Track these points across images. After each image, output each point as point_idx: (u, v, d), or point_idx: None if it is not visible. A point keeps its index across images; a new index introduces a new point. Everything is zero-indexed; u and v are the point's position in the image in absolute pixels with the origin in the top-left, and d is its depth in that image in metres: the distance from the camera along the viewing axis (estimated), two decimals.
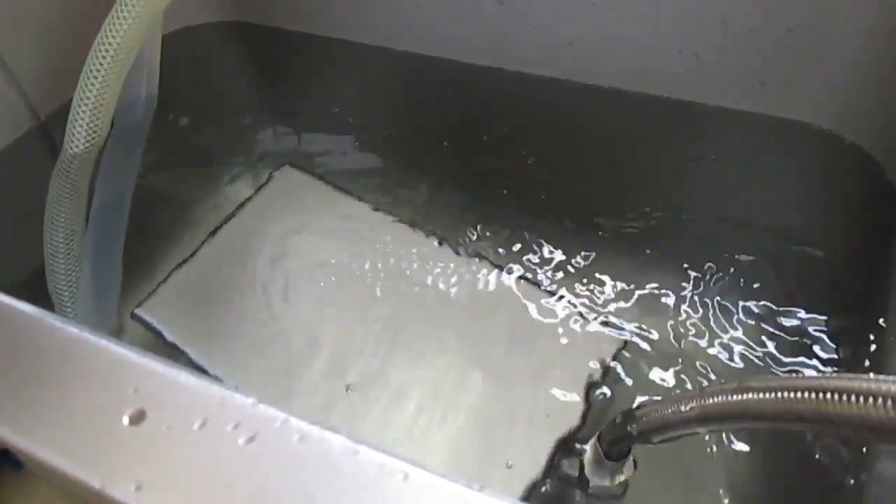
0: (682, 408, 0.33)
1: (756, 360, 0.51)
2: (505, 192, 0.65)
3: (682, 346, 0.52)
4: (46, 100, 0.67)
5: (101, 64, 0.56)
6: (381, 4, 0.73)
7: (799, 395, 0.25)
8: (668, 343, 0.53)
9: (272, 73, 0.80)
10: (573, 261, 0.58)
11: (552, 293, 0.56)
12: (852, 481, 0.43)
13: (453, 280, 0.57)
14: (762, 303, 0.54)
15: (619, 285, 0.56)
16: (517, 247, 0.60)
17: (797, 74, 0.60)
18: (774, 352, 0.51)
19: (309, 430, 0.23)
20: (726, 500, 0.46)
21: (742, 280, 0.55)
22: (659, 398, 0.50)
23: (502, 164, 0.67)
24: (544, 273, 0.58)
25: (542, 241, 0.60)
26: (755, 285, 0.55)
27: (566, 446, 0.48)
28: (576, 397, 0.50)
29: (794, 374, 0.27)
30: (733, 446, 0.47)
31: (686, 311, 0.54)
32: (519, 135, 0.69)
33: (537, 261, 0.58)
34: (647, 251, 0.58)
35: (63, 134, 0.60)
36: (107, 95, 0.58)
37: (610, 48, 0.65)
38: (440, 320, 0.55)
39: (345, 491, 0.22)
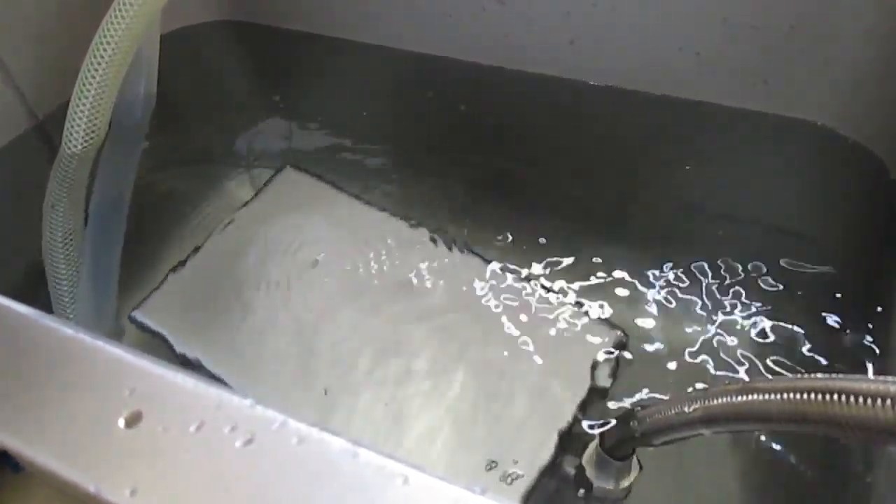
0: (686, 409, 0.32)
1: (758, 361, 0.50)
2: (506, 190, 0.65)
3: (683, 345, 0.52)
4: (44, 99, 0.67)
5: (99, 63, 0.56)
6: (382, 3, 0.73)
7: (805, 396, 0.25)
8: (668, 342, 0.52)
9: (272, 73, 0.80)
10: (573, 259, 0.58)
11: (552, 291, 0.56)
12: (859, 483, 0.43)
13: (455, 279, 0.57)
14: (764, 302, 0.54)
15: (619, 283, 0.56)
16: (518, 246, 0.59)
17: (799, 72, 0.60)
18: (777, 352, 0.51)
19: (308, 432, 0.23)
20: (730, 502, 0.45)
21: (743, 279, 0.55)
22: (659, 397, 0.50)
23: (504, 162, 0.67)
24: (544, 271, 0.57)
25: (543, 240, 0.59)
26: (757, 284, 0.55)
27: (567, 445, 0.47)
28: (576, 395, 0.50)
29: (799, 375, 0.27)
30: (737, 448, 0.47)
31: (687, 310, 0.54)
32: (520, 134, 0.69)
33: (538, 259, 0.58)
34: (648, 249, 0.58)
35: (61, 133, 0.60)
36: (105, 95, 0.58)
37: (611, 47, 0.65)
38: (441, 320, 0.55)
39: (344, 494, 0.22)
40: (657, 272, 0.57)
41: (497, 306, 0.55)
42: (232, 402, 0.24)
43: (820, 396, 0.24)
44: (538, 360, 0.52)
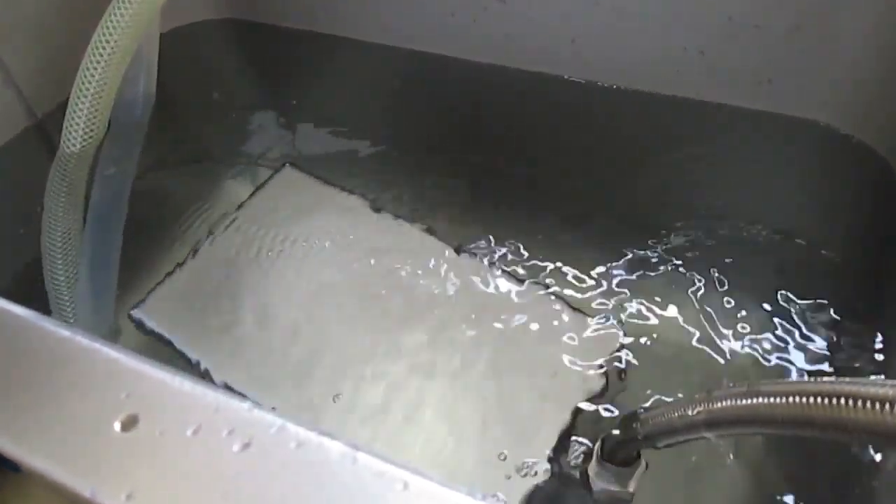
0: (689, 412, 0.32)
1: (763, 362, 0.50)
2: (508, 190, 0.64)
3: (687, 345, 0.52)
4: (43, 98, 0.67)
5: (98, 62, 0.56)
6: (382, 2, 0.73)
7: (811, 400, 0.25)
8: (671, 342, 0.52)
9: (272, 71, 0.79)
10: (575, 259, 0.57)
11: (553, 292, 0.55)
12: (863, 488, 0.42)
13: (455, 278, 0.57)
14: (768, 303, 0.53)
15: (622, 283, 0.56)
16: (520, 245, 0.59)
17: (803, 72, 0.60)
18: (781, 353, 0.50)
19: (306, 436, 0.23)
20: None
21: (746, 279, 0.55)
22: (661, 399, 0.49)
23: (505, 162, 0.66)
24: (546, 272, 0.57)
25: (544, 240, 0.59)
26: (760, 285, 0.54)
27: (568, 446, 0.47)
28: (578, 395, 0.49)
29: (804, 378, 0.27)
30: (741, 451, 0.46)
31: (690, 311, 0.53)
32: (521, 133, 0.69)
33: (539, 259, 0.58)
34: (651, 249, 0.57)
35: (60, 132, 0.59)
36: (104, 94, 0.58)
37: (613, 46, 0.65)
38: (441, 321, 0.55)
39: (343, 500, 0.21)
40: (659, 272, 0.56)
41: (498, 305, 0.55)
42: (230, 405, 0.24)
43: (827, 400, 0.24)
44: (540, 359, 0.51)
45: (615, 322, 0.53)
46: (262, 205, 0.64)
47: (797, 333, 0.51)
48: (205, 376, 0.53)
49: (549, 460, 0.46)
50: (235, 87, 0.79)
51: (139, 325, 0.56)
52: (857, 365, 0.49)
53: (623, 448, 0.40)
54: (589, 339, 0.52)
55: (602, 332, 0.53)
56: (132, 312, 0.57)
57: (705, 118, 0.65)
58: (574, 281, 0.56)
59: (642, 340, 0.52)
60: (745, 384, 0.29)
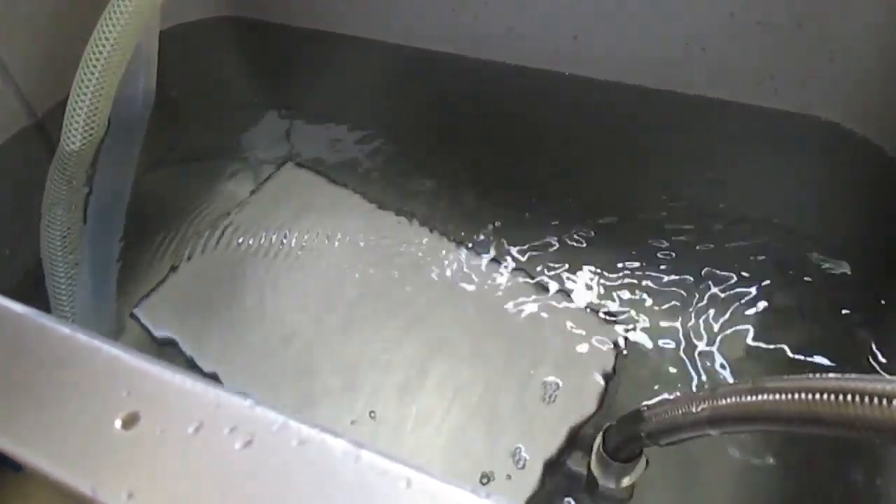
0: (693, 409, 0.32)
1: (766, 360, 0.50)
2: (509, 186, 0.64)
3: (690, 343, 0.52)
4: (43, 97, 0.67)
5: (97, 60, 0.56)
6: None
7: (818, 396, 0.24)
8: (674, 340, 0.52)
9: (273, 69, 0.79)
10: (577, 256, 0.57)
11: (557, 289, 0.55)
12: (869, 485, 0.42)
13: (459, 277, 0.57)
14: (770, 299, 0.53)
15: (625, 281, 0.55)
16: (522, 242, 0.59)
17: (806, 68, 0.59)
18: (786, 351, 0.50)
19: (309, 433, 0.23)
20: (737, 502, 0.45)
21: (750, 277, 0.55)
22: (665, 396, 0.49)
23: (508, 158, 0.66)
24: (549, 268, 0.57)
25: (547, 237, 0.59)
26: (764, 282, 0.54)
27: (570, 444, 0.47)
28: (580, 393, 0.49)
29: (810, 375, 0.26)
30: (744, 448, 0.46)
31: (694, 309, 0.53)
32: (524, 129, 0.69)
33: (542, 256, 0.58)
34: (654, 246, 0.57)
35: (60, 131, 0.59)
36: (104, 92, 0.58)
37: (615, 42, 0.65)
38: (444, 318, 0.54)
39: (346, 498, 0.21)
40: (661, 270, 0.56)
41: (498, 303, 0.55)
42: (231, 402, 0.24)
43: (833, 397, 0.24)
44: (543, 358, 0.51)
45: (617, 320, 0.53)
46: (264, 202, 0.64)
47: (798, 332, 0.51)
48: (206, 375, 0.53)
49: (552, 457, 0.46)
50: (236, 84, 0.79)
51: (140, 324, 0.56)
52: (862, 363, 0.49)
53: (626, 445, 0.39)
54: (593, 337, 0.52)
55: (605, 330, 0.52)
56: (133, 311, 0.57)
57: (707, 115, 0.65)
58: (577, 279, 0.56)
59: (643, 339, 0.52)
60: (750, 381, 0.29)
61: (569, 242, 0.58)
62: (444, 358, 0.52)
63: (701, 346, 0.51)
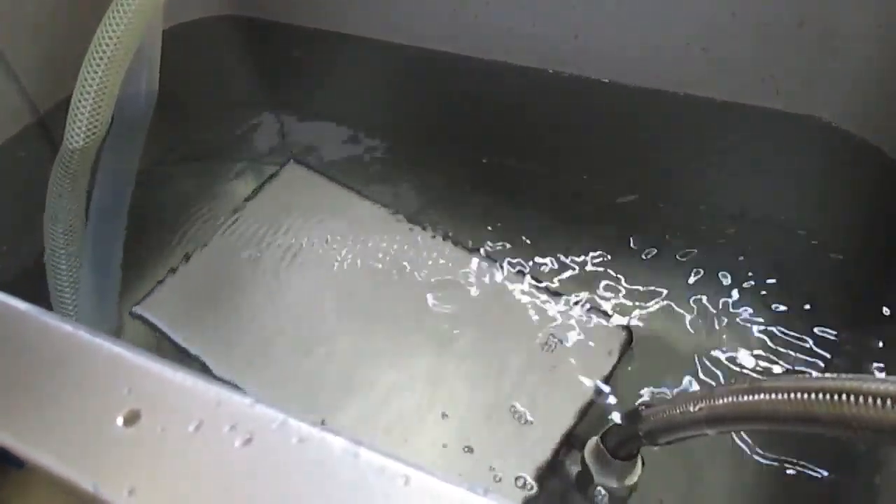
0: (691, 408, 0.32)
1: (767, 360, 0.50)
2: (511, 187, 0.64)
3: (691, 342, 0.52)
4: (46, 95, 0.67)
5: (100, 58, 0.56)
6: None
7: (814, 396, 0.25)
8: (676, 340, 0.52)
9: (275, 68, 0.79)
10: (580, 257, 0.57)
11: (559, 290, 0.55)
12: (865, 484, 0.42)
13: (457, 276, 0.57)
14: (769, 300, 0.53)
15: (624, 281, 0.55)
16: (523, 243, 0.59)
17: (808, 69, 0.59)
18: (786, 351, 0.50)
19: (308, 431, 0.23)
20: (737, 500, 0.45)
21: (748, 276, 0.55)
22: (666, 396, 0.49)
23: (508, 159, 0.66)
24: (551, 270, 0.57)
25: (549, 238, 0.59)
26: (764, 282, 0.54)
27: (570, 443, 0.47)
28: (582, 393, 0.49)
29: (808, 375, 0.27)
30: (742, 447, 0.46)
31: (695, 308, 0.53)
32: (524, 130, 0.69)
33: (543, 257, 0.58)
34: (655, 247, 0.57)
35: (63, 129, 0.59)
36: (107, 90, 0.58)
37: (616, 42, 0.65)
38: (447, 317, 0.55)
39: (345, 495, 0.21)
40: (662, 269, 0.56)
41: (499, 303, 0.55)
42: (231, 400, 0.24)
43: (830, 397, 0.24)
44: (544, 357, 0.51)
45: (618, 320, 0.53)
46: (266, 202, 0.64)
47: (798, 331, 0.51)
48: (207, 373, 0.53)
49: (553, 455, 0.46)
50: (238, 83, 0.79)
51: (142, 322, 0.56)
52: (860, 364, 0.49)
53: (624, 444, 0.39)
54: (595, 335, 0.52)
55: (606, 330, 0.53)
56: (135, 309, 0.57)
57: (708, 115, 0.65)
58: (578, 279, 0.56)
59: (644, 337, 0.52)
60: (747, 381, 0.29)
61: (569, 241, 0.59)
62: (445, 355, 0.52)
63: (701, 346, 0.51)
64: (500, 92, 0.71)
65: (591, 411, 0.49)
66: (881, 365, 0.48)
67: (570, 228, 0.60)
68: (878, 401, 0.23)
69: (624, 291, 0.55)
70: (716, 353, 0.51)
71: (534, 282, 0.56)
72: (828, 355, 0.50)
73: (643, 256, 0.57)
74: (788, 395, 0.26)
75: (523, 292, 0.55)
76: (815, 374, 0.49)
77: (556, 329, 0.53)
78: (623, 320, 0.53)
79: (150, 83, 0.65)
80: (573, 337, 0.52)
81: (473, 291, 0.56)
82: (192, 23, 0.80)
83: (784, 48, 0.59)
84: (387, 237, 0.60)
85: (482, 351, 0.52)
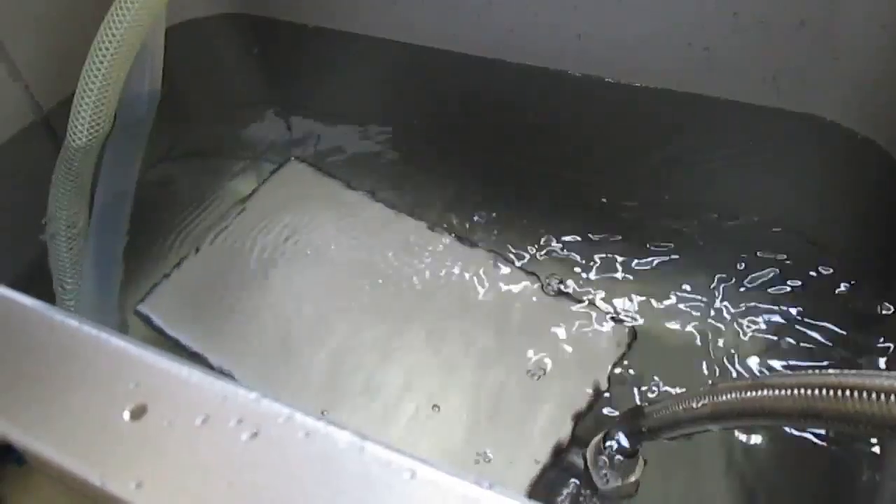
0: (694, 405, 0.32)
1: (767, 358, 0.50)
2: (513, 186, 0.64)
3: (695, 342, 0.52)
4: (49, 92, 0.67)
5: (103, 57, 0.56)
6: None
7: (817, 392, 0.25)
8: (680, 339, 0.52)
9: (277, 66, 0.79)
10: (583, 255, 0.57)
11: (563, 288, 0.55)
12: (867, 479, 0.42)
13: (458, 274, 0.57)
14: (771, 299, 0.53)
15: (624, 280, 0.56)
16: (526, 241, 0.59)
17: (810, 68, 0.59)
18: (788, 348, 0.50)
19: (314, 425, 0.23)
20: (738, 498, 0.45)
21: (750, 276, 0.55)
22: (667, 392, 0.50)
23: (509, 157, 0.66)
24: (556, 267, 0.57)
25: (553, 236, 0.59)
26: (763, 281, 0.54)
27: (572, 440, 0.47)
28: (584, 391, 0.49)
29: (810, 371, 0.27)
30: (745, 443, 0.46)
31: (697, 308, 0.54)
32: (525, 129, 0.69)
33: (547, 255, 0.58)
34: (655, 245, 0.57)
35: (66, 127, 0.60)
36: (109, 88, 0.58)
37: (618, 42, 0.65)
38: (447, 315, 0.55)
39: (350, 489, 0.21)
40: (662, 269, 0.56)
41: (501, 301, 0.55)
42: (238, 395, 0.24)
43: (833, 392, 0.24)
44: (547, 356, 0.51)
45: (621, 318, 0.53)
46: (268, 199, 0.64)
47: (800, 329, 0.51)
48: (210, 369, 0.53)
49: (555, 452, 0.46)
50: (240, 81, 0.79)
51: (145, 320, 0.56)
52: (863, 361, 0.49)
53: (627, 441, 0.40)
54: (598, 335, 0.52)
55: (609, 327, 0.53)
56: (137, 307, 0.57)
57: (710, 114, 0.65)
58: (581, 277, 0.56)
59: (648, 335, 0.52)
60: (750, 377, 0.29)
61: (571, 240, 0.59)
62: (446, 353, 0.53)
63: (702, 345, 0.52)
64: (503, 90, 0.71)
65: (593, 409, 0.49)
66: (882, 362, 0.48)
67: (572, 227, 0.60)
68: (881, 396, 0.23)
69: (625, 290, 0.55)
70: (717, 351, 0.51)
71: (535, 280, 0.56)
72: (830, 353, 0.50)
73: (644, 256, 0.57)
74: (791, 391, 0.26)
75: (524, 290, 0.55)
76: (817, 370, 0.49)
77: (558, 327, 0.53)
78: (625, 319, 0.53)
79: (153, 81, 0.65)
80: (575, 335, 0.53)
81: (475, 289, 0.56)
82: (195, 21, 0.80)
83: (785, 48, 0.59)
84: (388, 235, 0.60)
85: (483, 348, 0.53)
